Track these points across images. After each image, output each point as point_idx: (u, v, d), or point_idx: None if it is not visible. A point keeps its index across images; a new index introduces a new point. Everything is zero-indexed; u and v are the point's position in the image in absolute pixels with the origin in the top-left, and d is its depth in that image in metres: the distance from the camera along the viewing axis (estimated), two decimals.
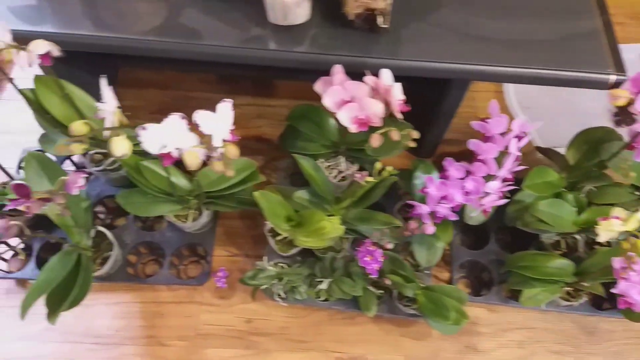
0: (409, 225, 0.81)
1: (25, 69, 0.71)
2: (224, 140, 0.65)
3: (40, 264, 1.01)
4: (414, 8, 0.89)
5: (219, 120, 0.64)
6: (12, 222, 0.69)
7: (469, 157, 1.13)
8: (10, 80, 0.82)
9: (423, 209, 0.76)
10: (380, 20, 0.82)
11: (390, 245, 0.86)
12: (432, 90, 1.05)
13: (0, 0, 0.87)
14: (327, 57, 0.86)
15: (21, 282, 1.04)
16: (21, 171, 1.11)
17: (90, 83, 0.95)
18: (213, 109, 0.65)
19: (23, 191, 0.66)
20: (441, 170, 0.80)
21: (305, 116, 1.02)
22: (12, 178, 1.00)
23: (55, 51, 0.68)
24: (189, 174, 0.99)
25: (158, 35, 0.86)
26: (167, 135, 0.63)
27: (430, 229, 0.78)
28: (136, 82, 1.29)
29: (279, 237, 1.01)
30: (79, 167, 1.13)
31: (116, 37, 0.86)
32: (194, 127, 0.65)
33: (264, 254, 1.04)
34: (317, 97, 0.82)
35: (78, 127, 0.62)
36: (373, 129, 0.77)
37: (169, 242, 1.05)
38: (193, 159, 0.62)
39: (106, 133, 0.67)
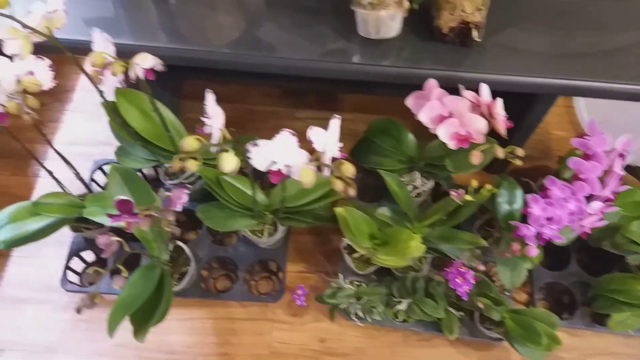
0: (511, 246, 0.78)
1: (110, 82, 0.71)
2: (334, 158, 0.63)
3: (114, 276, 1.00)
4: (504, 21, 0.87)
5: (330, 137, 0.63)
6: (114, 239, 0.68)
7: (539, 174, 1.10)
8: (101, 93, 0.82)
9: (529, 230, 0.73)
10: (475, 33, 0.80)
11: (482, 267, 0.83)
12: (514, 104, 1.02)
13: (75, 11, 0.87)
14: (416, 70, 0.84)
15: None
16: (93, 183, 1.11)
17: (159, 95, 0.95)
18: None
19: (126, 207, 0.65)
20: (542, 189, 0.77)
21: (385, 131, 1.00)
22: (90, 190, 1.00)
23: (159, 65, 0.67)
24: (266, 188, 0.98)
25: (241, 48, 0.86)
26: (277, 151, 0.62)
27: (533, 251, 0.75)
28: (201, 95, 1.28)
29: (355, 255, 0.99)
30: (149, 180, 1.13)
31: (194, 50, 0.85)
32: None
33: (337, 270, 1.02)
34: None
35: (190, 143, 0.61)
36: (473, 146, 0.75)
37: (242, 258, 1.03)
38: (308, 177, 0.60)
39: (213, 148, 0.66)
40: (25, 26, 0.67)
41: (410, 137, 1.00)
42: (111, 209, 0.94)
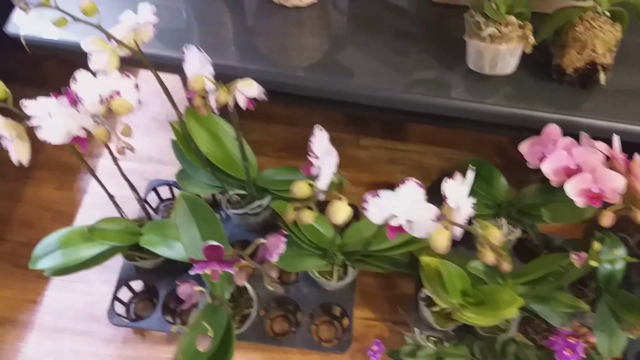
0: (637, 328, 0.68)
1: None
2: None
3: (165, 312, 0.91)
4: (630, 63, 0.78)
5: (464, 189, 0.54)
6: (197, 289, 0.59)
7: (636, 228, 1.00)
8: (179, 113, 0.74)
9: None
10: (602, 77, 0.72)
11: (593, 339, 0.73)
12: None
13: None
14: (527, 112, 0.76)
15: (139, 331, 0.94)
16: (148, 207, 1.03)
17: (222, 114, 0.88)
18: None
19: (216, 254, 0.56)
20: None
21: (477, 174, 0.91)
22: (148, 215, 0.91)
23: (262, 94, 0.59)
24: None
25: (319, 73, 0.78)
26: (400, 204, 0.53)
27: None
28: (263, 116, 1.21)
29: (435, 308, 0.89)
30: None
31: (268, 71, 0.77)
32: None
33: (409, 321, 0.92)
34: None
35: (302, 189, 0.52)
36: (605, 205, 0.66)
37: (305, 299, 0.94)
38: (442, 241, 0.51)
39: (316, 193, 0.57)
40: (111, 38, 0.59)
41: (503, 180, 0.91)
42: (171, 239, 0.85)
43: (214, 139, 0.88)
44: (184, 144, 0.87)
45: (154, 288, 0.94)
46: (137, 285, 0.97)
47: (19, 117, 0.60)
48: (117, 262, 0.97)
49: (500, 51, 0.70)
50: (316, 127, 0.57)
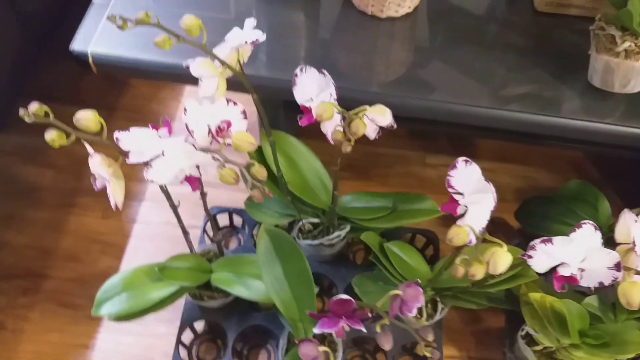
0: None
1: None
2: None
3: (233, 354, 0.82)
4: None
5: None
6: (322, 349, 0.50)
7: None
8: (269, 132, 0.65)
9: None
10: None
11: None
12: None
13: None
14: None
15: None
16: (205, 235, 0.94)
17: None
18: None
19: (344, 308, 0.48)
20: None
21: (579, 196, 0.83)
22: (222, 252, 0.82)
23: (392, 123, 0.51)
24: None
25: (400, 89, 0.70)
26: (574, 251, 0.44)
27: None
28: (318, 132, 1.13)
29: (537, 347, 0.80)
30: None
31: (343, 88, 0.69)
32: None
33: None
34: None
35: (460, 236, 0.44)
36: None
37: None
38: (635, 295, 0.42)
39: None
40: (217, 59, 0.50)
41: (606, 205, 0.83)
42: (247, 277, 0.77)
43: (290, 163, 0.80)
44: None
45: (220, 329, 0.85)
46: (200, 325, 0.88)
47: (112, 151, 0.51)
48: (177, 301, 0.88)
49: (636, 68, 0.62)
50: (460, 160, 0.49)
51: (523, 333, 0.81)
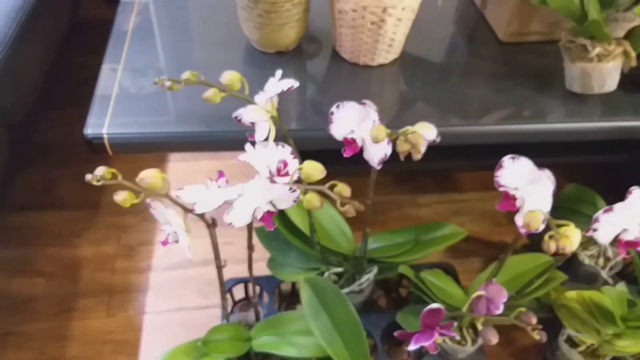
0: None
1: None
2: None
3: None
4: None
5: None
6: None
7: None
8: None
9: None
10: None
11: None
12: None
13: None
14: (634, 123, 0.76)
15: None
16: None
17: None
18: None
19: (435, 319, 0.48)
20: None
21: (578, 198, 0.89)
22: (258, 317, 0.79)
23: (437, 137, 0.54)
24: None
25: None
26: (632, 215, 0.48)
27: None
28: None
29: (581, 348, 0.82)
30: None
31: None
32: None
33: None
34: None
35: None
36: None
37: None
38: None
39: None
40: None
41: (604, 203, 0.90)
42: (292, 335, 0.74)
43: (307, 211, 0.80)
44: (281, 223, 0.79)
45: None
46: None
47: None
48: None
49: (609, 69, 0.71)
50: (506, 159, 0.52)
51: (564, 337, 0.83)
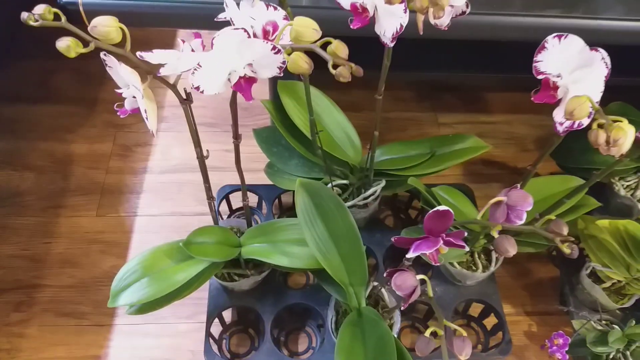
0: None
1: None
2: None
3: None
4: None
5: None
6: (420, 277, 0.42)
7: None
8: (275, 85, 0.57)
9: None
10: None
11: None
12: None
13: None
14: None
15: None
16: (219, 216, 0.84)
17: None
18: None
19: (442, 223, 0.40)
20: None
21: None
22: (250, 223, 0.72)
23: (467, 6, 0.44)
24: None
25: None
26: None
27: None
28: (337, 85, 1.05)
29: (606, 284, 0.74)
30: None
31: None
32: None
33: (571, 307, 0.77)
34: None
35: (583, 107, 0.36)
36: None
37: (442, 301, 0.77)
38: None
39: None
40: None
41: None
42: (284, 243, 0.67)
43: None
44: (282, 126, 0.70)
45: (253, 314, 0.75)
46: (227, 315, 0.78)
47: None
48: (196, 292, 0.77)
49: None
50: (550, 38, 0.41)
51: (587, 271, 0.75)
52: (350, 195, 0.78)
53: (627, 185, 0.82)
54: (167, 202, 0.91)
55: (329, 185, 0.76)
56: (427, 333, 0.44)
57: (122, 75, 0.39)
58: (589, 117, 0.38)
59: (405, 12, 0.43)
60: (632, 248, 0.65)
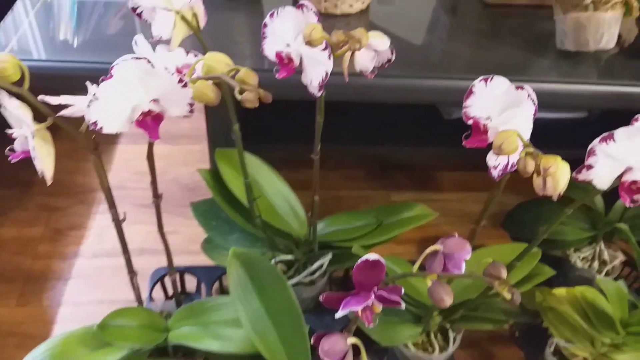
0: None
1: None
2: None
3: None
4: None
5: None
6: (351, 340, 0.36)
7: None
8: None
9: None
10: None
11: None
12: None
13: None
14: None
15: None
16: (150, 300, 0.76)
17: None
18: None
19: (374, 276, 0.35)
20: None
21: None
22: (179, 303, 0.65)
23: (391, 53, 0.43)
24: None
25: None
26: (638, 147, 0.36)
27: None
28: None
29: None
30: None
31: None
32: None
33: None
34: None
35: (511, 143, 0.34)
36: None
37: None
38: None
39: None
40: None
41: (598, 197, 0.78)
42: (216, 325, 0.60)
43: (254, 185, 0.68)
44: (221, 197, 0.66)
45: None
46: None
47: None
48: None
49: (606, 19, 0.60)
50: (477, 82, 0.40)
51: (551, 349, 0.69)
52: (297, 272, 0.73)
53: (584, 257, 0.80)
54: (98, 288, 0.83)
55: (273, 261, 0.71)
56: None
57: (11, 110, 0.35)
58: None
59: (329, 58, 0.42)
60: (593, 318, 0.61)
